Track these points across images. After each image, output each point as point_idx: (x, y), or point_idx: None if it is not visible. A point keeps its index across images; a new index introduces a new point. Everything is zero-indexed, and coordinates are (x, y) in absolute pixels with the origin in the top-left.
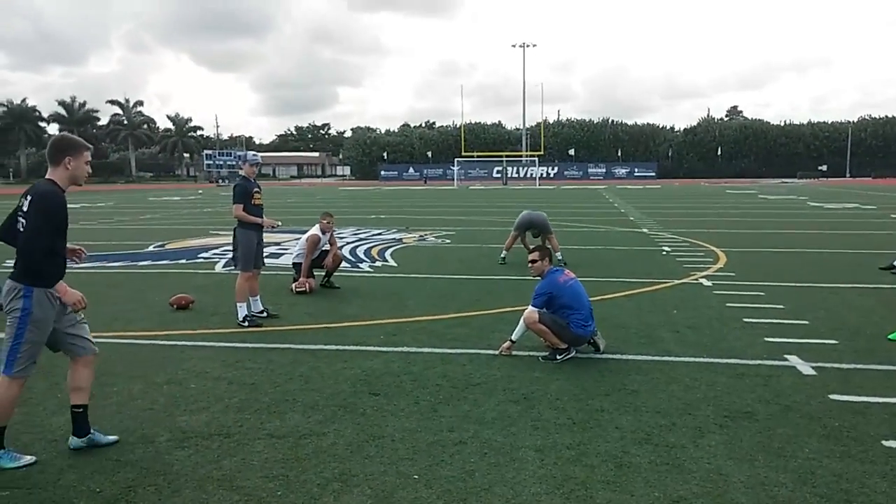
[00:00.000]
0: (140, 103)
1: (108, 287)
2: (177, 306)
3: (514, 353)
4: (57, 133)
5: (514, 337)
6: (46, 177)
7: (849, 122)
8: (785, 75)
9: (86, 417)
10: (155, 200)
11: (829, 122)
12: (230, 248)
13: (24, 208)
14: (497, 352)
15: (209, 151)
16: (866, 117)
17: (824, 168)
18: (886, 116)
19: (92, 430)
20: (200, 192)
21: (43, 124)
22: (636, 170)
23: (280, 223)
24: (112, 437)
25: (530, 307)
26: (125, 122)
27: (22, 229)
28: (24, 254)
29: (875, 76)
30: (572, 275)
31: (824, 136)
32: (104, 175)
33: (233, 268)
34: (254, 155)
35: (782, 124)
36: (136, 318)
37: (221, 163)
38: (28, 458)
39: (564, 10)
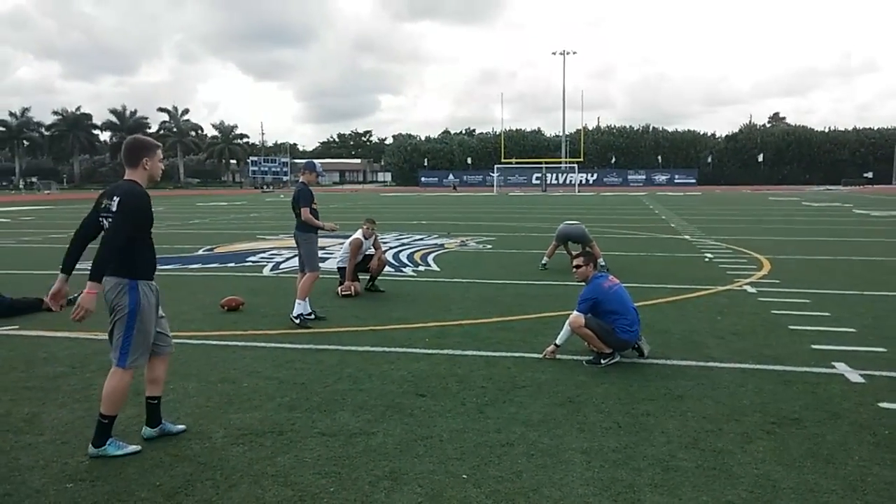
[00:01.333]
0: (187, 111)
1: (162, 288)
2: (227, 308)
3: (558, 357)
4: (129, 137)
5: (558, 341)
6: (126, 178)
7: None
8: (829, 81)
9: (159, 408)
10: (203, 206)
11: (876, 129)
12: (277, 251)
13: (114, 209)
14: (541, 355)
15: (254, 158)
16: None
17: (870, 175)
18: None
19: (163, 420)
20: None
21: (96, 132)
22: (676, 177)
23: (338, 226)
24: (181, 426)
25: (575, 312)
26: (174, 129)
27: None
28: (120, 250)
29: None
30: (617, 280)
31: (870, 142)
32: (155, 181)
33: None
34: (318, 165)
35: (826, 131)
36: (189, 319)
37: (266, 169)
38: (133, 448)
39: (605, 17)
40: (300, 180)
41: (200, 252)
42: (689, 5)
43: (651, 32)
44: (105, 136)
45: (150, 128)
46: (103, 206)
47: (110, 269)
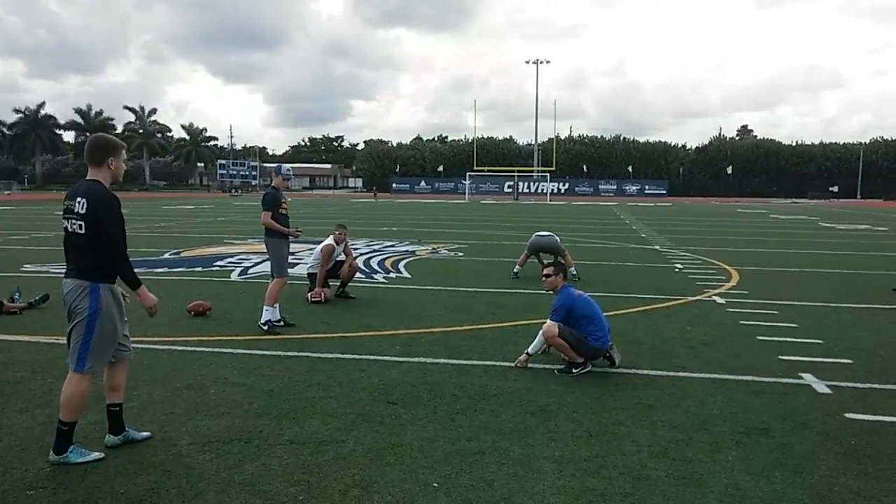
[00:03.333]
0: (154, 111)
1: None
2: (194, 313)
3: (529, 365)
4: (94, 135)
5: (530, 350)
6: (89, 177)
7: (860, 143)
8: (795, 95)
9: (121, 415)
10: (169, 209)
11: (841, 143)
12: (246, 256)
13: (80, 210)
14: (513, 364)
15: (223, 161)
16: (878, 139)
17: (835, 189)
18: None
19: (127, 428)
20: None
21: (59, 131)
22: (647, 187)
23: (301, 232)
24: (145, 433)
25: (549, 321)
26: (140, 130)
27: (81, 231)
28: (120, 249)
29: (887, 98)
30: (583, 293)
31: (836, 156)
32: (118, 182)
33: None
34: (287, 169)
35: (793, 144)
36: (154, 324)
37: (235, 173)
38: (96, 455)
39: (578, 27)
40: (270, 184)
41: (167, 256)
42: (660, 18)
43: (623, 44)
44: (69, 136)
45: (115, 128)
46: (66, 207)
47: (71, 271)
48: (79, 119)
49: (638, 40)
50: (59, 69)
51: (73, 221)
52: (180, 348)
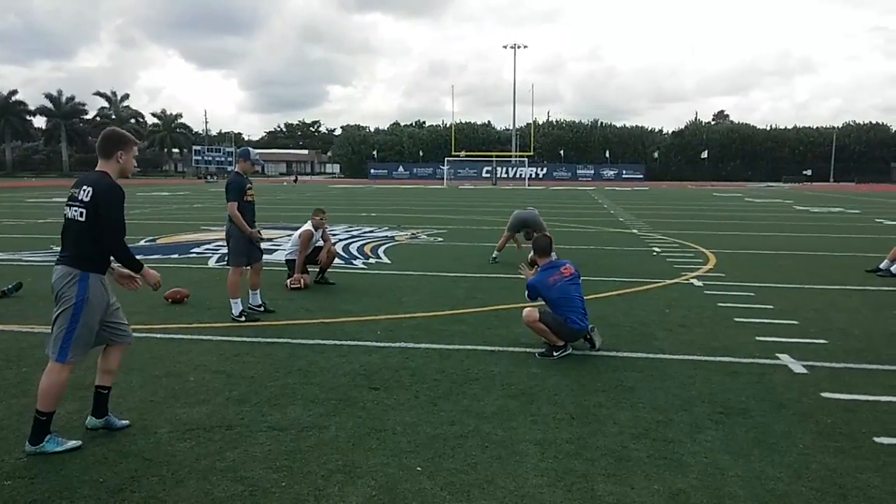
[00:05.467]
0: (127, 97)
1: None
2: (172, 300)
3: (510, 349)
4: (108, 128)
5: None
6: (98, 169)
7: (833, 127)
8: (768, 80)
9: (107, 399)
10: (143, 195)
11: (815, 128)
12: (223, 243)
13: (84, 198)
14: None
15: (198, 147)
16: (850, 123)
17: (809, 172)
18: (870, 123)
19: (108, 413)
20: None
21: (30, 118)
22: (624, 172)
23: (261, 236)
24: (125, 422)
25: (526, 309)
26: (112, 116)
27: (81, 218)
28: (110, 242)
29: (858, 83)
30: (570, 270)
31: (809, 140)
32: (90, 168)
33: (226, 263)
34: (256, 155)
35: (768, 129)
36: (131, 311)
37: (210, 159)
38: (73, 443)
39: (555, 11)
40: (235, 170)
41: (142, 243)
42: (636, 2)
43: (599, 29)
44: (40, 121)
45: (86, 114)
46: (70, 194)
47: (64, 258)
48: (49, 105)
49: (614, 25)
50: (28, 54)
51: (75, 209)
52: (158, 336)
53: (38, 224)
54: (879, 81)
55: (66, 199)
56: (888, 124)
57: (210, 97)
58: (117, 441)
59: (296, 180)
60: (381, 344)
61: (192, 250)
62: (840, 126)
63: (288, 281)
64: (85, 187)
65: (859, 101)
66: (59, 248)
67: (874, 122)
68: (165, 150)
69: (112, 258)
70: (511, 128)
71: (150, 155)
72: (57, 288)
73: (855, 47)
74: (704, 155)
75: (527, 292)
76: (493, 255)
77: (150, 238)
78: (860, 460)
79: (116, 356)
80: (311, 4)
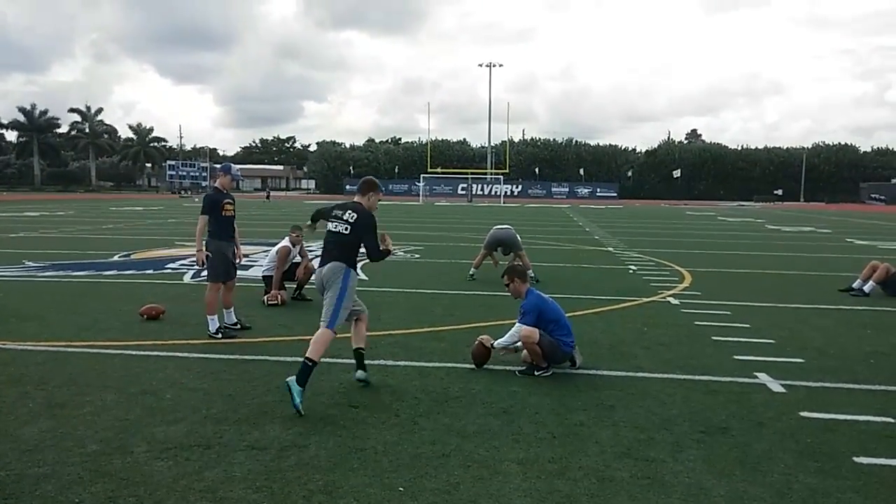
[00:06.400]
0: (100, 111)
1: (76, 296)
2: (147, 316)
3: (490, 367)
4: (368, 177)
5: (497, 344)
6: (355, 200)
7: (803, 148)
8: (738, 100)
9: (363, 356)
10: (117, 210)
11: (785, 148)
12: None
13: (349, 219)
14: (476, 341)
15: (172, 162)
16: (820, 144)
17: (780, 192)
18: (839, 143)
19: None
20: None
21: (1, 131)
22: (598, 190)
23: (205, 257)
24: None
25: (527, 327)
26: (86, 130)
27: (346, 231)
28: (367, 251)
29: (827, 104)
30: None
31: (779, 161)
32: (63, 184)
33: (203, 277)
34: (237, 170)
35: (739, 149)
36: (106, 328)
37: (184, 174)
38: (298, 402)
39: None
40: (214, 185)
41: (116, 258)
42: (609, 23)
43: (572, 48)
44: (12, 135)
45: (60, 127)
46: (334, 213)
47: (332, 259)
48: (22, 118)
49: (587, 45)
50: (2, 68)
51: (340, 224)
52: (134, 352)
53: (9, 239)
54: (848, 103)
55: (331, 217)
56: (857, 145)
57: (185, 112)
58: (93, 460)
59: (268, 196)
60: None
61: (167, 266)
62: (809, 146)
63: (265, 297)
64: (349, 211)
65: (828, 122)
66: (32, 263)
67: (843, 142)
68: (139, 164)
69: None
70: (487, 145)
71: (124, 169)
72: (327, 278)
73: (823, 69)
74: (677, 174)
75: (524, 316)
76: (471, 273)
77: (125, 253)
78: (841, 480)
79: (362, 325)
80: (287, 21)
